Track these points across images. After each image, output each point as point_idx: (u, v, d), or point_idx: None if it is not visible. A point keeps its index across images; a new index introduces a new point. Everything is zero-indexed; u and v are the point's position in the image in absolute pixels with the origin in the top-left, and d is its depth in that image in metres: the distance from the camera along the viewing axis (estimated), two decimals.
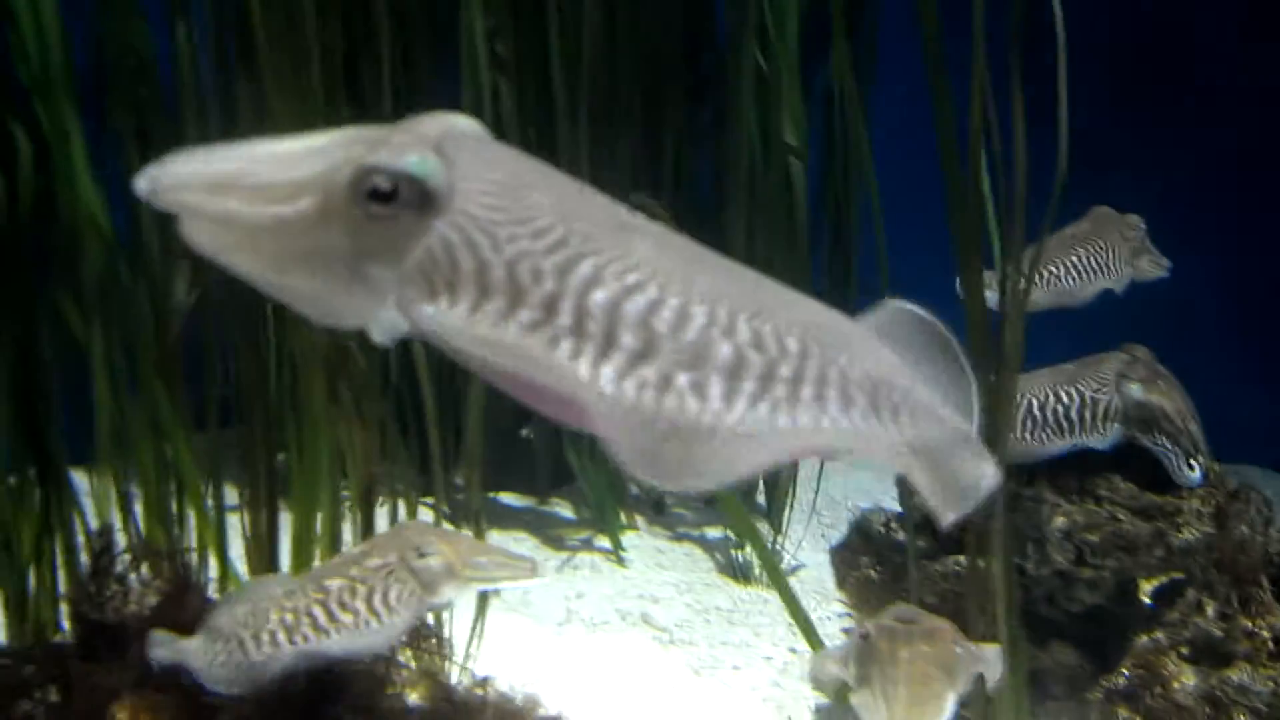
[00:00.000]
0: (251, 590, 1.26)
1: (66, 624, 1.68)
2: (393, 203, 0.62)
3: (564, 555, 2.36)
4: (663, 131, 2.44)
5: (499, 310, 0.62)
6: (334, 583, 1.19)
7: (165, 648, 1.25)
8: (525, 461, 2.55)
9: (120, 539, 1.61)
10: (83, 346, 1.65)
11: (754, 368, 0.62)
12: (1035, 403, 1.85)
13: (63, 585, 1.69)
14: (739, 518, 1.90)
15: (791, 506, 2.46)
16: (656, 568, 2.35)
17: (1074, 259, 1.99)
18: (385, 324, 0.63)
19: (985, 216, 1.73)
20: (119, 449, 1.69)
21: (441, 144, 0.64)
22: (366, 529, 1.74)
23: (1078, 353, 1.98)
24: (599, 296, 0.62)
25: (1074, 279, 1.99)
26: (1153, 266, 2.07)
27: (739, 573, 2.34)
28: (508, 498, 2.58)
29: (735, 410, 0.61)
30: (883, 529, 1.92)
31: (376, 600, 1.17)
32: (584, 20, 2.14)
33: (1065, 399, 1.87)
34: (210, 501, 1.72)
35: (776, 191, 2.33)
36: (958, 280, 2.03)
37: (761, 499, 2.49)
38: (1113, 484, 1.86)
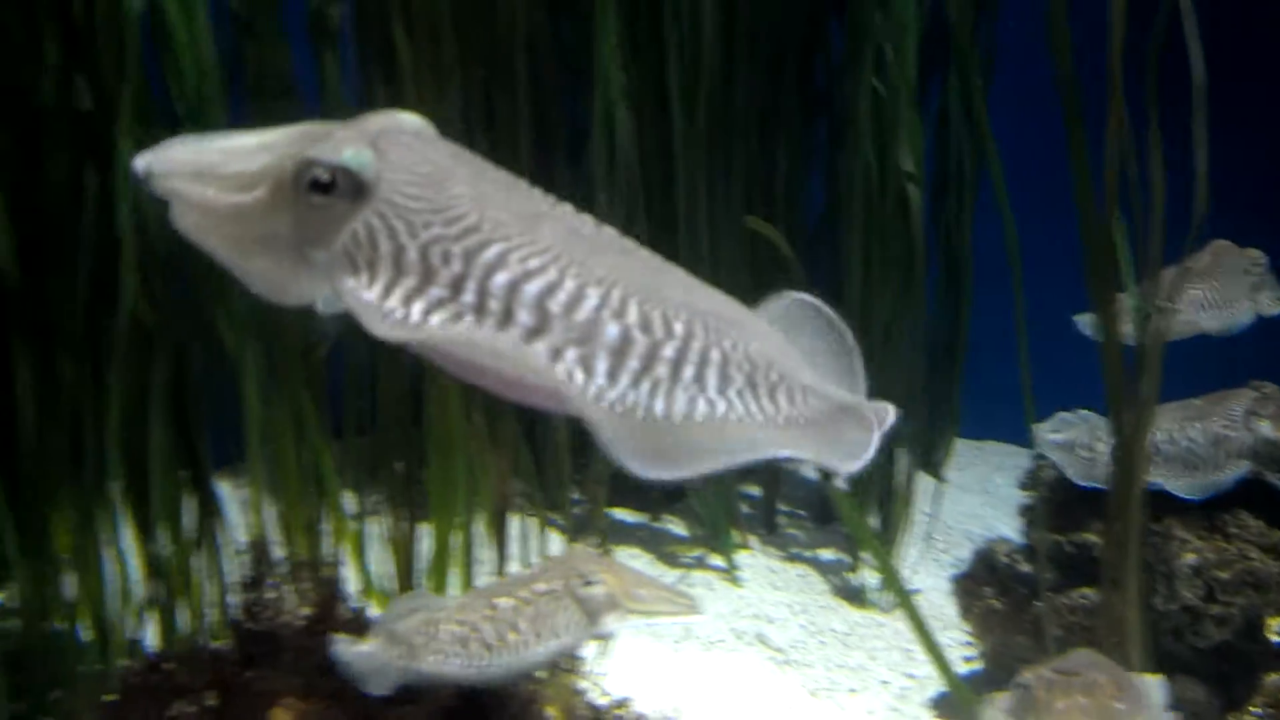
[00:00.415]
0: (424, 600, 1.31)
1: (211, 629, 1.75)
2: (330, 193, 0.69)
3: (678, 573, 2.39)
4: (777, 151, 2.45)
5: (410, 288, 0.68)
6: (503, 602, 1.23)
7: (345, 647, 1.30)
8: (638, 478, 2.57)
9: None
10: (234, 359, 1.71)
11: (639, 346, 0.68)
12: (1163, 438, 1.84)
13: (208, 593, 1.76)
14: (868, 542, 1.92)
15: (906, 530, 2.46)
16: (770, 588, 2.37)
17: (1195, 293, 1.98)
18: (327, 301, 0.70)
19: (1118, 252, 1.73)
20: (266, 460, 1.75)
21: (378, 139, 0.71)
22: (499, 545, 1.79)
23: (1196, 388, 1.96)
24: (500, 278, 0.67)
25: (1198, 313, 1.98)
26: (1274, 303, 2.05)
27: (853, 596, 2.35)
28: (621, 513, 2.61)
29: (618, 385, 0.67)
30: (1007, 560, 1.92)
31: (542, 624, 1.20)
32: (702, 42, 2.16)
33: (1193, 435, 1.86)
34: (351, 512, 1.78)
35: (892, 217, 2.34)
36: (1082, 317, 2.03)
37: (875, 521, 2.50)
38: (1242, 521, 1.84)
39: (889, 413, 0.73)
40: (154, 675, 1.48)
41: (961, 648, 2.10)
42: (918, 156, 2.28)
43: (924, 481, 2.51)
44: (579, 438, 2.08)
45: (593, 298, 0.68)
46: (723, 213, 2.28)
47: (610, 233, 0.72)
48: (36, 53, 1.56)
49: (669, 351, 0.68)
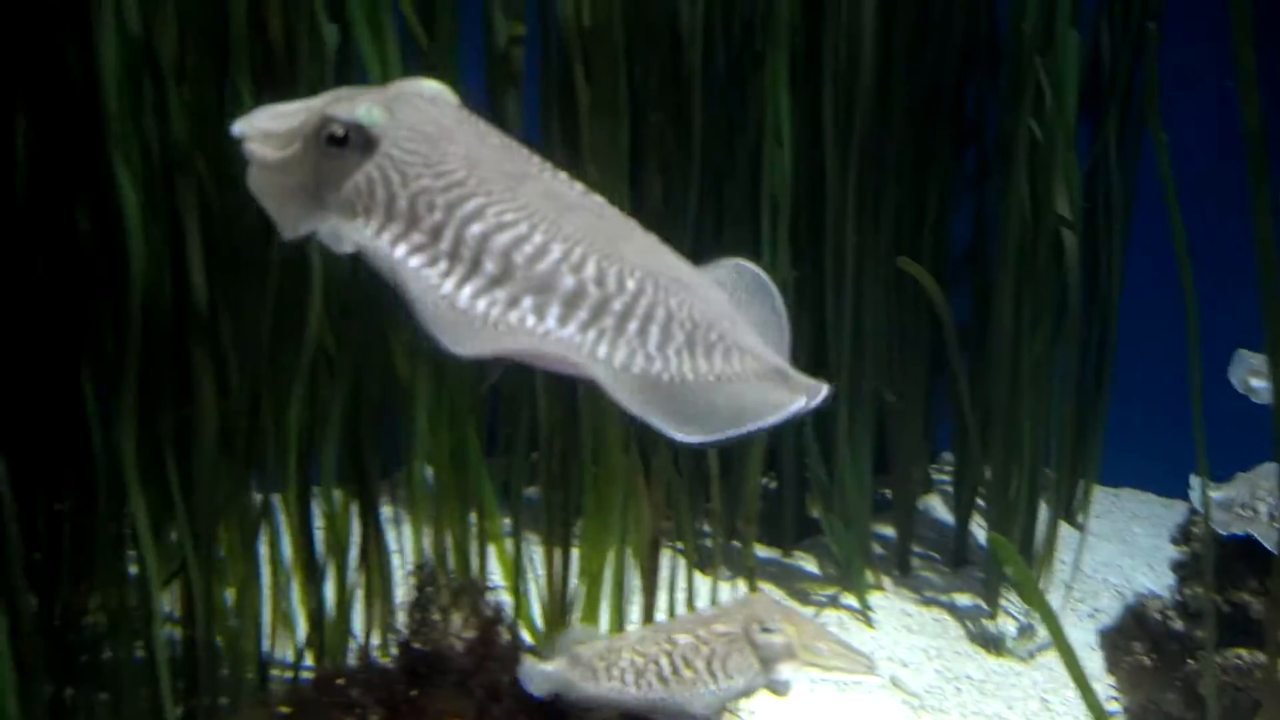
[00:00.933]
0: (597, 633, 1.34)
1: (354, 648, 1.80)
2: (344, 145, 0.77)
3: (810, 610, 2.39)
4: (927, 187, 2.45)
5: (396, 233, 0.76)
6: (682, 638, 1.26)
7: (531, 665, 1.34)
8: (770, 513, 2.59)
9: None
10: (407, 386, 1.77)
11: (590, 299, 0.73)
12: None
13: (356, 614, 1.81)
14: (1031, 591, 1.90)
15: (1047, 578, 2.43)
16: (904, 630, 2.36)
17: None
18: (328, 238, 0.79)
19: None
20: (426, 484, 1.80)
21: (393, 101, 0.79)
22: (650, 578, 1.82)
23: None
24: (475, 229, 0.74)
25: None
26: None
27: (990, 643, 2.33)
28: (761, 550, 2.62)
29: (565, 330, 0.73)
30: (1159, 616, 1.89)
31: (716, 664, 1.23)
32: (859, 78, 2.18)
33: None
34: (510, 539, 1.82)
35: (1045, 260, 2.33)
36: (1237, 368, 1.99)
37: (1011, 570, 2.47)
38: None
39: (821, 389, 0.76)
40: (324, 689, 1.53)
41: (1106, 702, 2.06)
42: (1074, 200, 2.26)
43: (1060, 528, 2.48)
44: (729, 473, 2.10)
45: (555, 252, 0.75)
46: (870, 250, 2.28)
47: (591, 198, 0.80)
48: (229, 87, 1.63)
49: (617, 305, 0.74)
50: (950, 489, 2.80)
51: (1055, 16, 2.19)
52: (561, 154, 1.74)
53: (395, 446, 1.84)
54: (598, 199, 0.80)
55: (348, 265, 1.74)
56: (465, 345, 0.73)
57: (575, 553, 1.88)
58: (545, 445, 1.81)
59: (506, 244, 0.75)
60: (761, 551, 2.60)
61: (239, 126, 0.81)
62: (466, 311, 0.74)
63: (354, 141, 0.78)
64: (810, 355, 2.27)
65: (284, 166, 0.79)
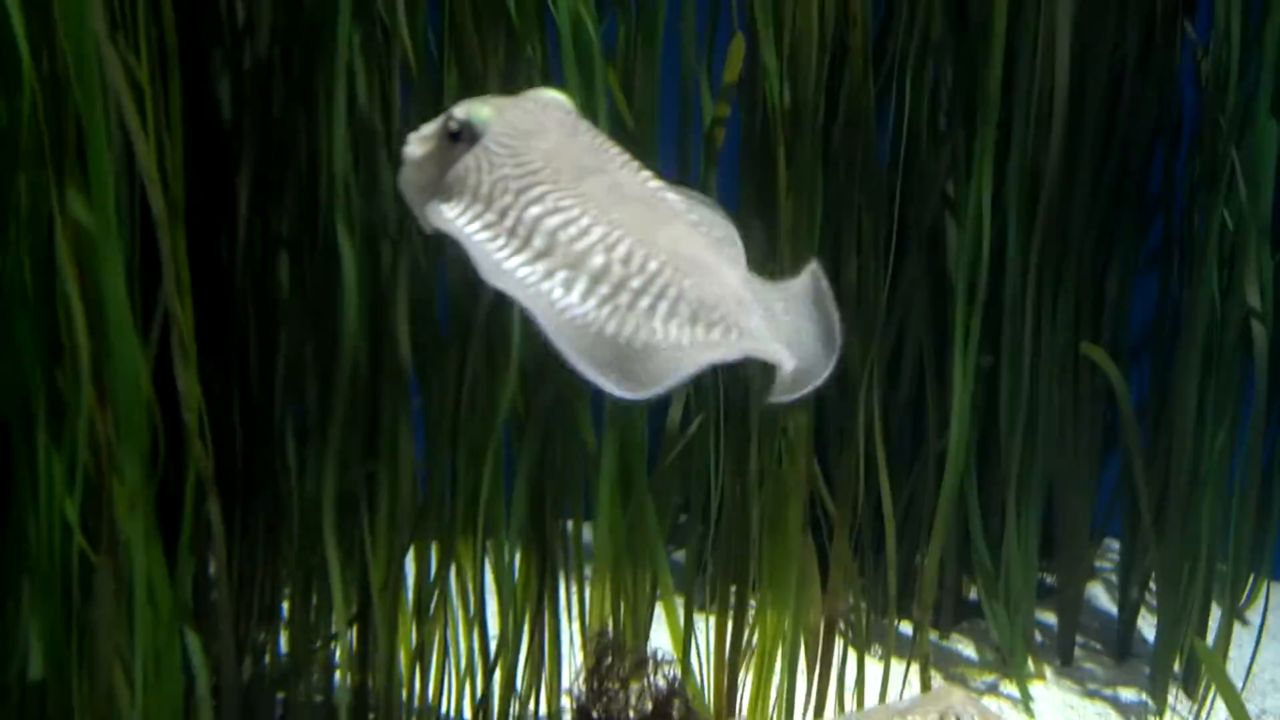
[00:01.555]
0: None
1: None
2: (458, 139, 0.90)
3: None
4: (1108, 268, 2.41)
5: (474, 212, 0.88)
6: None
7: None
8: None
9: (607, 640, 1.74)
10: (591, 459, 1.80)
11: (614, 276, 0.84)
12: None
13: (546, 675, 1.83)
14: (1229, 694, 1.85)
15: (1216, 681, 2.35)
16: None
17: None
18: (430, 216, 0.91)
19: None
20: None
21: (507, 103, 0.91)
22: (825, 663, 1.81)
23: None
24: (533, 210, 0.87)
25: None
26: None
27: None
28: (906, 627, 2.59)
29: (587, 304, 0.84)
30: None
31: None
32: (1047, 160, 2.15)
33: None
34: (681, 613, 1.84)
35: (1231, 351, 2.27)
36: None
37: (1179, 665, 2.40)
38: None
39: (812, 380, 0.85)
40: None
41: None
42: (1265, 291, 2.21)
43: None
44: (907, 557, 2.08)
45: (595, 234, 0.86)
46: (1048, 331, 2.25)
47: (654, 192, 0.89)
48: None
49: (635, 283, 0.84)
50: (1113, 577, 2.73)
51: (1253, 106, 2.15)
52: (759, 231, 1.76)
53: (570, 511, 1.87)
54: (662, 193, 0.90)
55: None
56: (502, 282, 0.86)
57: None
58: (723, 525, 1.82)
59: (555, 224, 0.87)
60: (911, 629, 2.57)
61: (410, 140, 0.94)
62: (511, 273, 0.86)
63: (465, 135, 0.92)
64: (980, 437, 2.25)
65: (422, 163, 0.93)
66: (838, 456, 1.94)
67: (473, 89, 1.66)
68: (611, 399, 1.80)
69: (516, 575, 1.81)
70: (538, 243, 0.86)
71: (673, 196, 0.90)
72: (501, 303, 1.72)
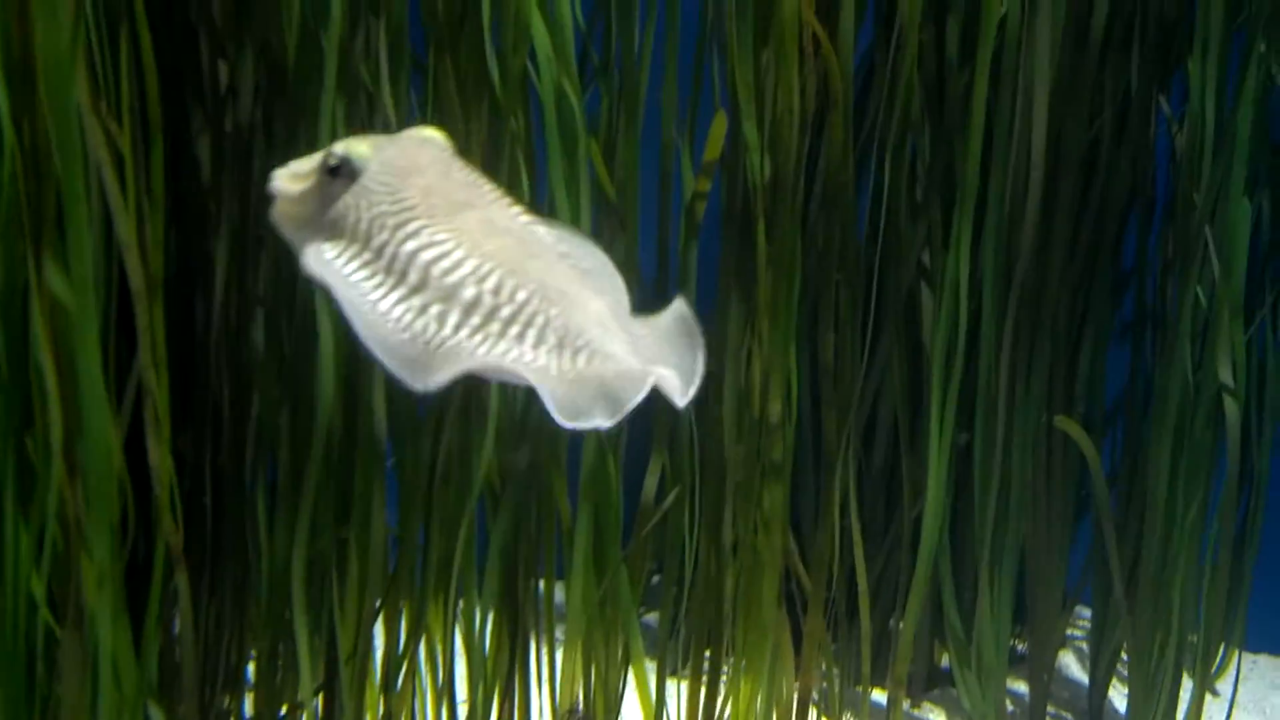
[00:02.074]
0: None
1: None
2: (337, 176, 0.93)
3: None
4: (1081, 340, 2.42)
5: (354, 251, 0.92)
6: None
7: None
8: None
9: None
10: (565, 529, 1.79)
11: (484, 307, 0.88)
12: None
13: None
14: None
15: None
16: None
17: None
18: (311, 259, 0.93)
19: None
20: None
21: (384, 141, 0.95)
22: None
23: None
24: (409, 246, 0.90)
25: None
26: None
27: None
28: (877, 695, 2.58)
29: (458, 335, 0.87)
30: None
31: None
32: (1021, 234, 2.17)
33: None
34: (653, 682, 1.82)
35: (1204, 426, 2.28)
36: None
37: None
38: None
39: (688, 384, 0.90)
40: None
41: None
42: (1238, 368, 2.22)
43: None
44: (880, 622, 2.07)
45: (467, 267, 0.90)
46: (1021, 404, 2.26)
47: (526, 226, 0.94)
48: None
49: (505, 312, 0.89)
50: (1085, 645, 2.73)
51: (1227, 185, 2.17)
52: (738, 308, 1.77)
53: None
54: (532, 227, 0.94)
55: (521, 403, 1.79)
56: (395, 361, 0.88)
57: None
58: (697, 590, 1.81)
59: (429, 259, 0.90)
60: (884, 698, 2.56)
61: (277, 173, 0.97)
62: (384, 314, 0.89)
63: (344, 172, 0.94)
64: (953, 506, 2.25)
65: (299, 198, 0.96)
66: (813, 528, 1.94)
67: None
68: (586, 467, 1.82)
69: (487, 646, 1.79)
70: (413, 277, 0.90)
71: (543, 230, 0.94)
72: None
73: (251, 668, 1.84)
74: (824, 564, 1.84)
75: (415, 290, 0.89)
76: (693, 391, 0.91)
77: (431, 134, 0.97)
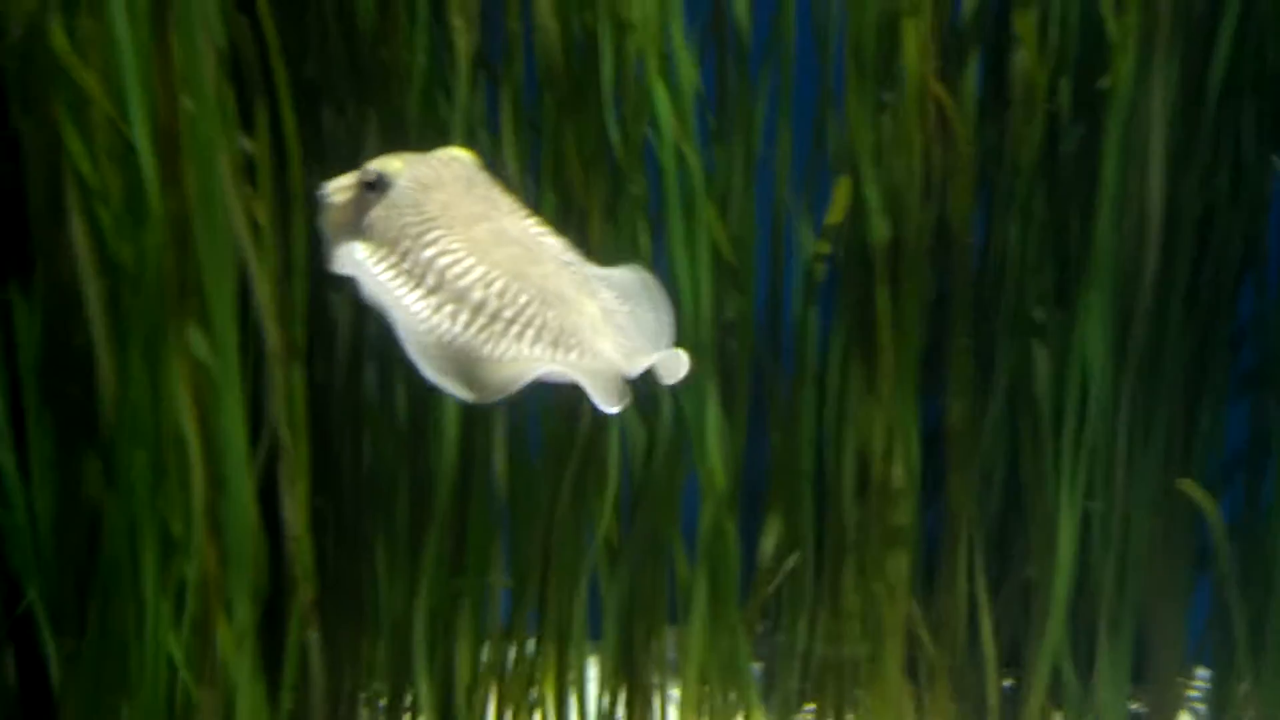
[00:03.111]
0: None
1: None
2: (372, 190, 1.06)
3: None
4: (1201, 394, 2.36)
5: (382, 254, 1.04)
6: None
7: None
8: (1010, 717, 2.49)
9: None
10: (682, 588, 1.78)
11: (489, 308, 1.00)
12: None
13: None
14: None
15: None
16: None
17: None
18: (346, 262, 1.06)
19: None
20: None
21: (416, 158, 1.07)
22: None
23: None
24: (427, 253, 1.02)
25: None
26: None
27: None
28: None
29: (468, 332, 1.00)
30: None
31: None
32: (1139, 298, 2.13)
33: None
34: None
35: None
36: None
37: None
38: None
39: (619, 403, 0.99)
40: None
41: None
42: None
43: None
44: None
45: (476, 272, 1.01)
46: (1139, 464, 2.21)
47: (534, 236, 1.05)
48: None
49: (508, 314, 1.00)
50: (1203, 707, 2.65)
51: None
52: (858, 370, 1.75)
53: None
54: (541, 237, 1.05)
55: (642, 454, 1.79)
56: (396, 313, 1.01)
57: None
58: (817, 656, 1.79)
59: (444, 264, 1.02)
60: None
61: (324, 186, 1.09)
62: (407, 308, 1.02)
63: (379, 186, 1.06)
64: (1077, 573, 2.20)
65: (341, 207, 1.08)
66: (932, 593, 1.91)
67: (573, 221, 1.68)
68: (704, 528, 1.81)
69: (603, 701, 1.79)
70: (430, 280, 1.01)
71: (551, 240, 1.06)
72: (599, 428, 1.73)
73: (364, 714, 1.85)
74: (950, 632, 1.81)
75: (432, 291, 1.02)
76: (680, 375, 1.01)
77: (459, 153, 1.10)
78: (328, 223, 1.09)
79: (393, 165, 1.06)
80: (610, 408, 0.98)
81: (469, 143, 1.62)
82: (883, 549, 1.75)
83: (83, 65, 1.25)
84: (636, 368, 1.00)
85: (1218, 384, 2.36)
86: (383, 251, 1.04)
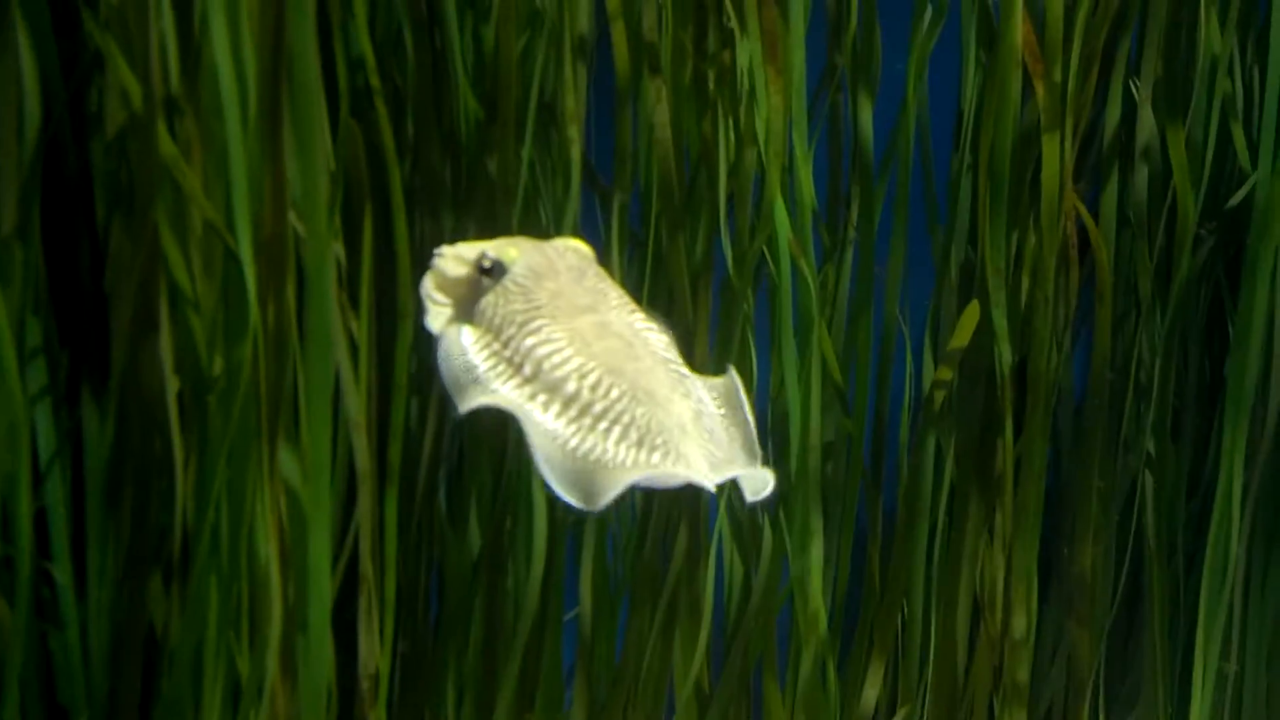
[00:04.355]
0: None
1: None
2: (488, 274, 1.04)
3: None
4: None
5: (485, 341, 1.02)
6: None
7: None
8: None
9: None
10: None
11: (581, 400, 0.97)
12: None
13: None
14: None
15: None
16: None
17: None
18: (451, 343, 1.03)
19: None
20: None
21: (531, 245, 1.05)
22: None
23: None
24: (528, 341, 1.00)
25: None
26: None
27: None
28: None
29: (557, 423, 0.97)
30: None
31: None
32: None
33: None
34: None
35: None
36: None
37: None
38: None
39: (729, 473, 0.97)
40: None
41: None
42: None
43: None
44: None
45: (574, 364, 0.99)
46: (1254, 622, 2.06)
47: (636, 329, 1.01)
48: None
49: (598, 408, 0.97)
50: None
51: None
52: (977, 509, 1.63)
53: None
54: (646, 333, 1.01)
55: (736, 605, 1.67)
56: (469, 400, 0.99)
57: None
58: None
59: (543, 354, 0.99)
60: None
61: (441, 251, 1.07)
62: (496, 393, 0.99)
63: (494, 271, 1.04)
64: None
65: (453, 281, 1.05)
66: None
67: (682, 341, 1.58)
68: (805, 680, 1.68)
69: None
70: (527, 369, 0.99)
71: (654, 336, 1.03)
72: (692, 567, 1.61)
73: None
74: None
75: (528, 381, 0.99)
76: (765, 493, 0.97)
77: (575, 243, 1.07)
78: (434, 290, 1.07)
79: (509, 253, 1.05)
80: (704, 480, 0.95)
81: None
82: (1001, 708, 1.61)
83: (187, 167, 1.16)
84: (720, 477, 0.97)
85: None
86: (487, 338, 1.02)
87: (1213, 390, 2.03)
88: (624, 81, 1.54)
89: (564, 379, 0.98)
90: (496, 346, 1.01)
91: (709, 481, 0.95)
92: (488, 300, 1.03)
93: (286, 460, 1.23)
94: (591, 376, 0.98)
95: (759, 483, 0.98)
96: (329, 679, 1.27)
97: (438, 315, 1.05)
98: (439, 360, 1.01)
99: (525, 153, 1.51)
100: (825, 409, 1.66)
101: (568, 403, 0.97)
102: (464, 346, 1.00)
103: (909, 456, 1.70)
